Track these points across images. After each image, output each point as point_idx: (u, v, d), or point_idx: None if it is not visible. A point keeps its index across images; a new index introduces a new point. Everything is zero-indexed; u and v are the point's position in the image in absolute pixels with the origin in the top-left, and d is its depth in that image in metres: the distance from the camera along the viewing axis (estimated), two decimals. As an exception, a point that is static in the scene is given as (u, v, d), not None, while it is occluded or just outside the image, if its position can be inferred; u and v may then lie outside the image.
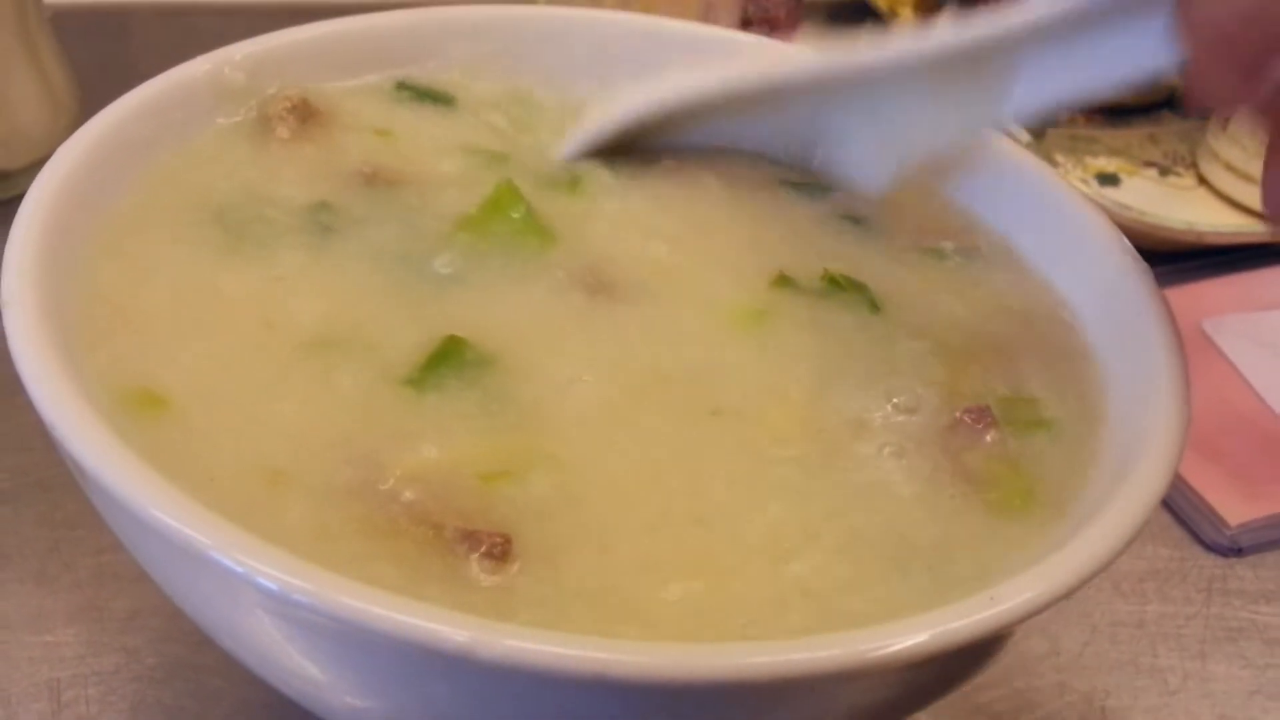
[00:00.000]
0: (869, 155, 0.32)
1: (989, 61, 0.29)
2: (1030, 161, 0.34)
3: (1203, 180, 0.60)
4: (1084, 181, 0.60)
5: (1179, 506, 0.44)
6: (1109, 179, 0.61)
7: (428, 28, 0.37)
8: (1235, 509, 0.44)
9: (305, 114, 0.33)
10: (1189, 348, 0.50)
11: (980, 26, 0.28)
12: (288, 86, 0.33)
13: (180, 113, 0.31)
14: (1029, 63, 0.28)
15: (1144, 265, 0.31)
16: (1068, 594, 0.22)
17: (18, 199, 0.49)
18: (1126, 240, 0.31)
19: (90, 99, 0.53)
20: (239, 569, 0.20)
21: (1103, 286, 0.30)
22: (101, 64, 0.60)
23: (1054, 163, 0.60)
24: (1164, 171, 0.61)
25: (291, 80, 0.34)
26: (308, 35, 0.35)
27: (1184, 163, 0.61)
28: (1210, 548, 0.43)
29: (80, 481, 0.23)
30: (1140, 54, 0.26)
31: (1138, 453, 0.24)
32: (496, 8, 0.38)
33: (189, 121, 0.32)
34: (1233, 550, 0.42)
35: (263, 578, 0.20)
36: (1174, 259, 0.55)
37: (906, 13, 0.73)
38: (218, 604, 0.22)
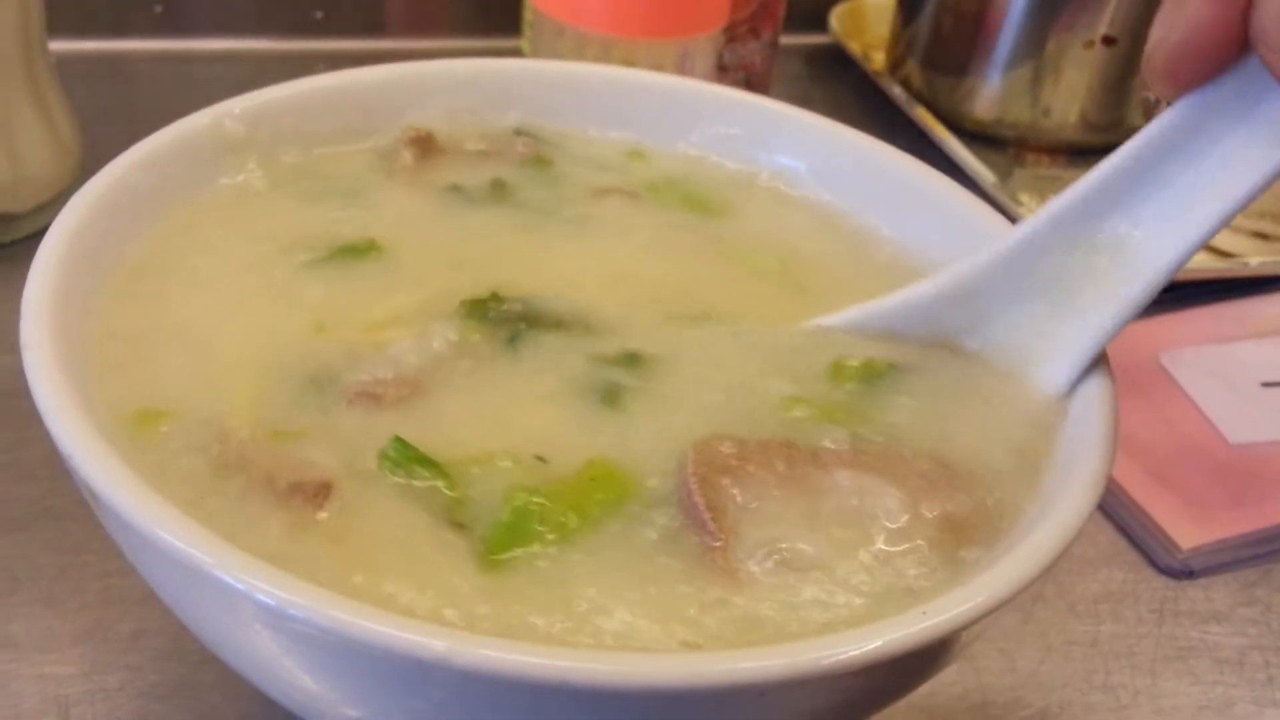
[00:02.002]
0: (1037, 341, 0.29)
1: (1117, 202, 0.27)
2: (962, 197, 0.36)
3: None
4: (1049, 220, 0.62)
5: (1133, 531, 0.46)
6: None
7: (415, 81, 0.39)
8: (1187, 533, 0.46)
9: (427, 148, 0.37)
10: (1148, 379, 0.53)
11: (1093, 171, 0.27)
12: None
13: (183, 163, 0.34)
14: (1155, 200, 0.27)
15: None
16: (989, 612, 0.24)
17: (24, 240, 0.52)
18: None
19: (93, 143, 0.56)
20: (239, 585, 0.22)
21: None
22: (104, 109, 0.62)
23: (1018, 202, 0.63)
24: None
25: (287, 132, 0.37)
26: (302, 89, 0.37)
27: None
28: (1163, 570, 0.45)
29: (94, 506, 0.25)
30: (1268, 148, 0.25)
31: (1063, 487, 0.26)
32: (483, 61, 0.41)
33: (192, 171, 0.34)
34: (1184, 573, 0.44)
35: (260, 593, 0.22)
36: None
37: (879, 58, 0.76)
38: (220, 619, 0.24)
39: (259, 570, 0.22)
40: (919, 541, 0.26)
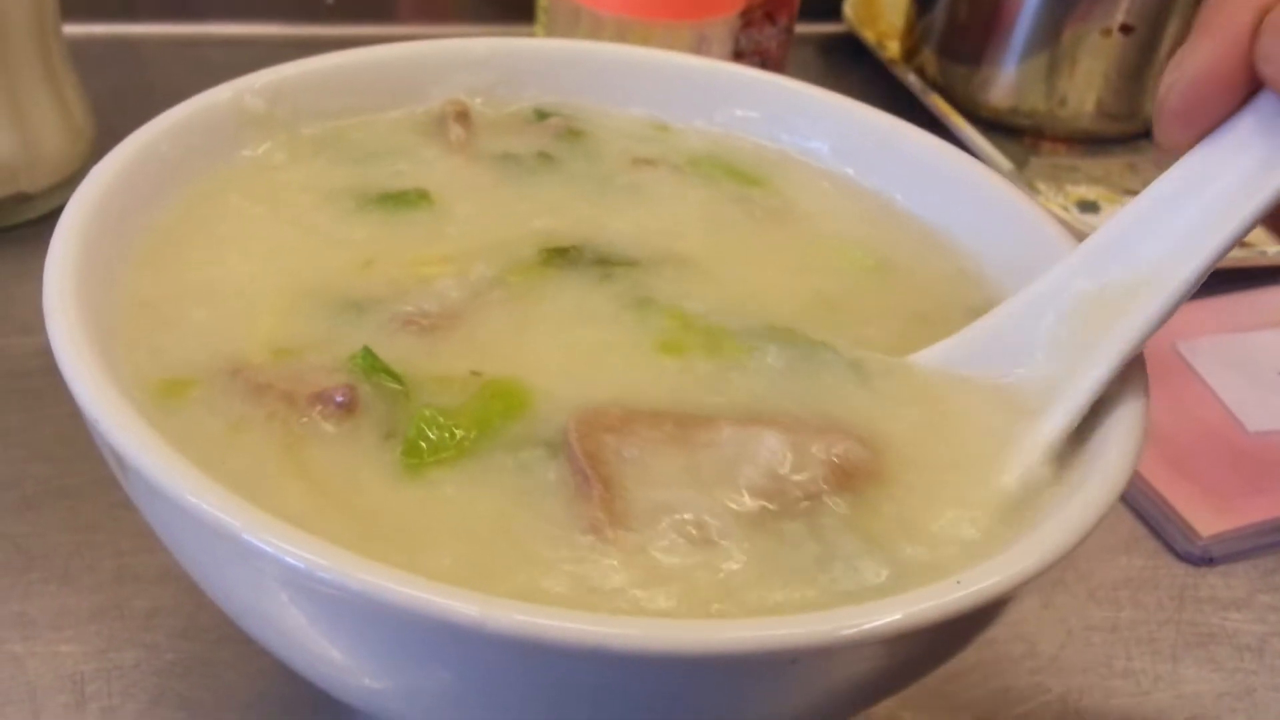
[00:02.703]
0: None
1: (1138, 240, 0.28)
2: (997, 182, 0.36)
3: (1179, 208, 0.63)
4: (1064, 208, 0.62)
5: (1153, 518, 0.45)
6: (1089, 206, 0.63)
7: (433, 59, 0.39)
8: (1207, 521, 0.45)
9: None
10: (1166, 368, 0.53)
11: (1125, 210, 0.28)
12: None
13: (204, 136, 0.33)
14: (1163, 235, 0.27)
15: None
16: (1023, 582, 0.23)
17: (39, 220, 0.52)
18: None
19: (105, 126, 0.55)
20: (267, 548, 0.22)
21: None
22: (116, 92, 0.62)
23: (1035, 190, 0.63)
24: (1141, 199, 0.63)
25: (306, 107, 0.36)
26: (322, 65, 0.37)
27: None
28: (1183, 558, 0.44)
29: (119, 473, 0.25)
30: (1266, 174, 0.26)
31: (1094, 465, 0.26)
32: (498, 40, 0.40)
33: (213, 145, 0.34)
34: (1204, 560, 0.44)
35: (289, 556, 0.22)
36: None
37: (894, 46, 0.76)
38: (246, 584, 0.24)
39: (288, 534, 0.22)
40: (804, 485, 0.26)
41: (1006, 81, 0.69)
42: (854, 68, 0.77)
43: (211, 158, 0.34)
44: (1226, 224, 0.26)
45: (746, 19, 0.61)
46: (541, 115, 0.40)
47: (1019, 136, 0.69)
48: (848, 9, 0.77)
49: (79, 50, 0.55)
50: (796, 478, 0.26)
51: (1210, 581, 0.44)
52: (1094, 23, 0.66)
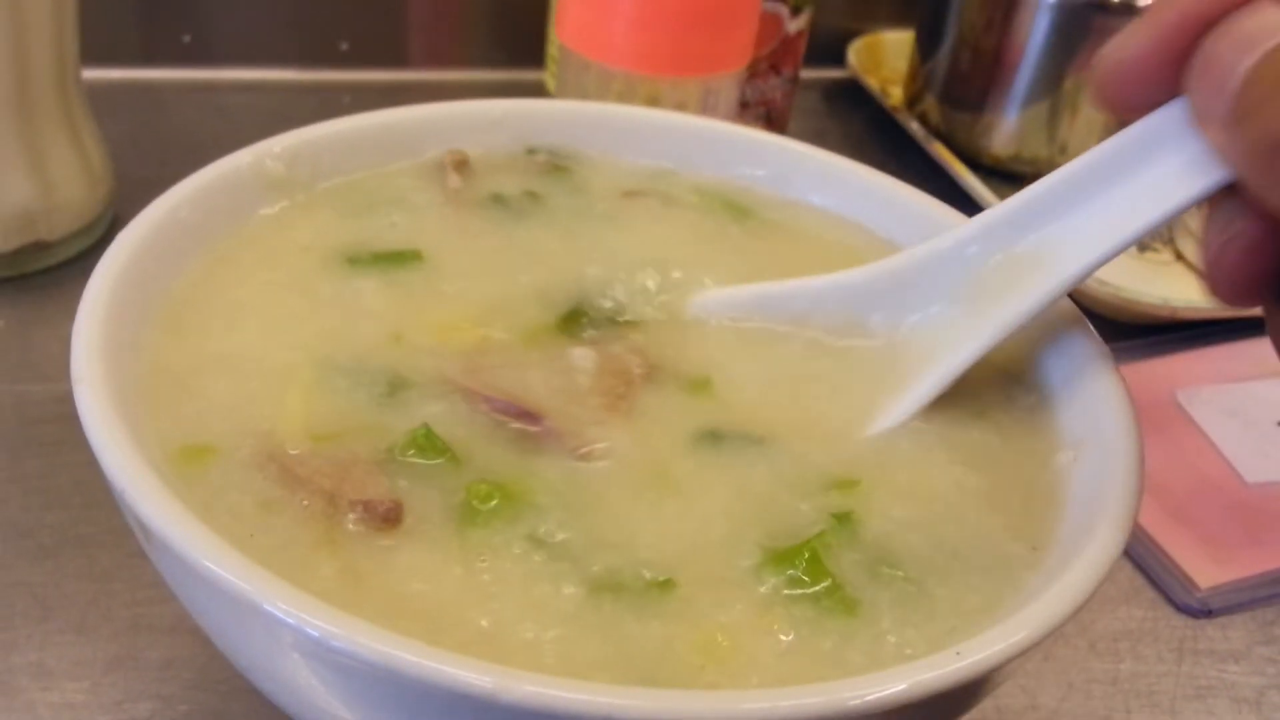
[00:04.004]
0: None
1: (1034, 225, 0.29)
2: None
3: (1180, 256, 0.63)
4: (1066, 257, 0.63)
5: (1152, 569, 0.46)
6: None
7: (449, 121, 0.40)
8: (1205, 572, 0.46)
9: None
10: (1165, 418, 0.53)
11: (1017, 196, 0.30)
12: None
13: (225, 200, 0.34)
14: (1071, 220, 0.29)
15: (1104, 347, 0.33)
16: (1021, 653, 0.24)
17: (57, 267, 0.53)
18: (1088, 323, 0.34)
19: (122, 171, 0.56)
20: (288, 619, 0.23)
21: (1066, 367, 0.33)
22: (133, 137, 0.63)
23: (1037, 239, 0.63)
24: (1142, 247, 0.64)
25: (325, 168, 0.37)
26: (341, 128, 0.38)
27: (1162, 239, 0.64)
28: (1181, 609, 0.45)
29: (142, 539, 0.26)
30: (1176, 185, 0.27)
31: (1090, 529, 0.27)
32: (511, 101, 0.41)
33: (233, 207, 0.35)
34: (1203, 612, 0.45)
35: (309, 626, 0.22)
36: (1150, 332, 0.58)
37: (897, 92, 0.77)
38: (262, 648, 0.25)
39: (306, 603, 0.23)
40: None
41: (1008, 129, 0.70)
42: (857, 114, 0.78)
43: (230, 219, 0.34)
44: (1132, 224, 0.28)
45: (752, 70, 0.62)
46: (532, 152, 0.41)
47: (1020, 183, 0.70)
48: (851, 56, 0.78)
49: (96, 95, 0.56)
50: None
51: (1209, 633, 0.44)
52: (1094, 72, 0.67)
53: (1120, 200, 0.28)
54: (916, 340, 0.31)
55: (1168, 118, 0.27)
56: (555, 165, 0.40)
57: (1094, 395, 0.31)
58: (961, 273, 0.31)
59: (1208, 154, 0.26)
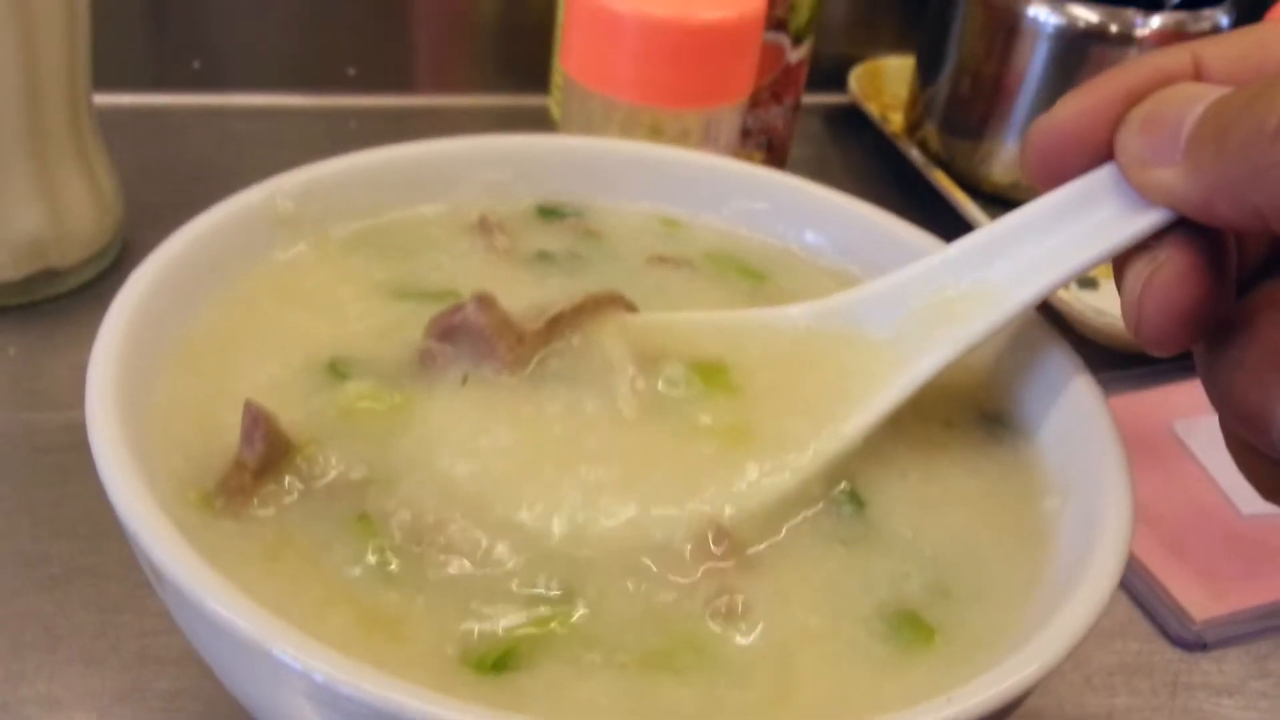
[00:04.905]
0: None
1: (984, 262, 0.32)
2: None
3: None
4: (1064, 285, 0.63)
5: (1147, 602, 0.46)
6: (1088, 283, 0.65)
7: (455, 157, 0.41)
8: (1201, 605, 0.46)
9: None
10: (1162, 448, 0.54)
11: (971, 236, 0.33)
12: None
13: (238, 239, 0.35)
14: (1016, 256, 0.31)
15: (1095, 386, 0.34)
16: (1017, 701, 0.25)
17: (67, 294, 0.54)
18: (1078, 358, 0.35)
19: (132, 197, 0.57)
20: (295, 663, 0.23)
21: (1055, 402, 0.34)
22: (142, 162, 0.63)
23: (1036, 268, 0.64)
24: (1141, 278, 0.64)
25: (335, 207, 0.38)
26: (350, 164, 0.38)
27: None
28: (1176, 642, 0.45)
29: (154, 582, 0.26)
30: (1116, 227, 0.29)
31: (1078, 578, 0.27)
32: (516, 138, 0.42)
33: (246, 246, 0.35)
34: (1198, 645, 0.45)
35: (315, 672, 0.23)
36: (1148, 362, 0.58)
37: (897, 119, 0.77)
38: (268, 690, 0.25)
39: (315, 649, 0.23)
40: None
41: (1007, 157, 0.71)
42: (858, 139, 0.78)
43: (245, 260, 0.35)
44: (1064, 264, 0.31)
45: (754, 99, 0.63)
46: (546, 213, 0.41)
47: (1020, 211, 0.71)
48: (853, 82, 0.79)
49: (106, 120, 0.56)
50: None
51: (1204, 667, 0.45)
52: (1094, 101, 0.67)
53: (1064, 241, 0.30)
54: (875, 353, 0.34)
55: (1099, 176, 0.30)
56: (587, 230, 0.41)
57: (1085, 437, 0.32)
58: (918, 303, 0.33)
59: (1142, 202, 0.28)
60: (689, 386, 0.32)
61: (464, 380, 0.31)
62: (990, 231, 0.32)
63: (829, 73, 0.79)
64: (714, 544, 0.29)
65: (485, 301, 0.31)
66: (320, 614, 0.26)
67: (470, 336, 0.31)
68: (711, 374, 0.33)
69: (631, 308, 0.35)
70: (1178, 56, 0.28)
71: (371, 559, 0.27)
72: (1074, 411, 0.33)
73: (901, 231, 0.40)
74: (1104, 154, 0.29)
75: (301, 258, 0.37)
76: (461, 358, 0.32)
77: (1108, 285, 0.65)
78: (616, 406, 0.31)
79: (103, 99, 0.55)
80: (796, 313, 0.35)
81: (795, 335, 0.34)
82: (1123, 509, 0.29)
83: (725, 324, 0.35)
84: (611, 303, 0.34)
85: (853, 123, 0.79)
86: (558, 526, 0.28)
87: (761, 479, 0.30)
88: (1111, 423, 0.32)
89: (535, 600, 0.27)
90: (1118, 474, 0.30)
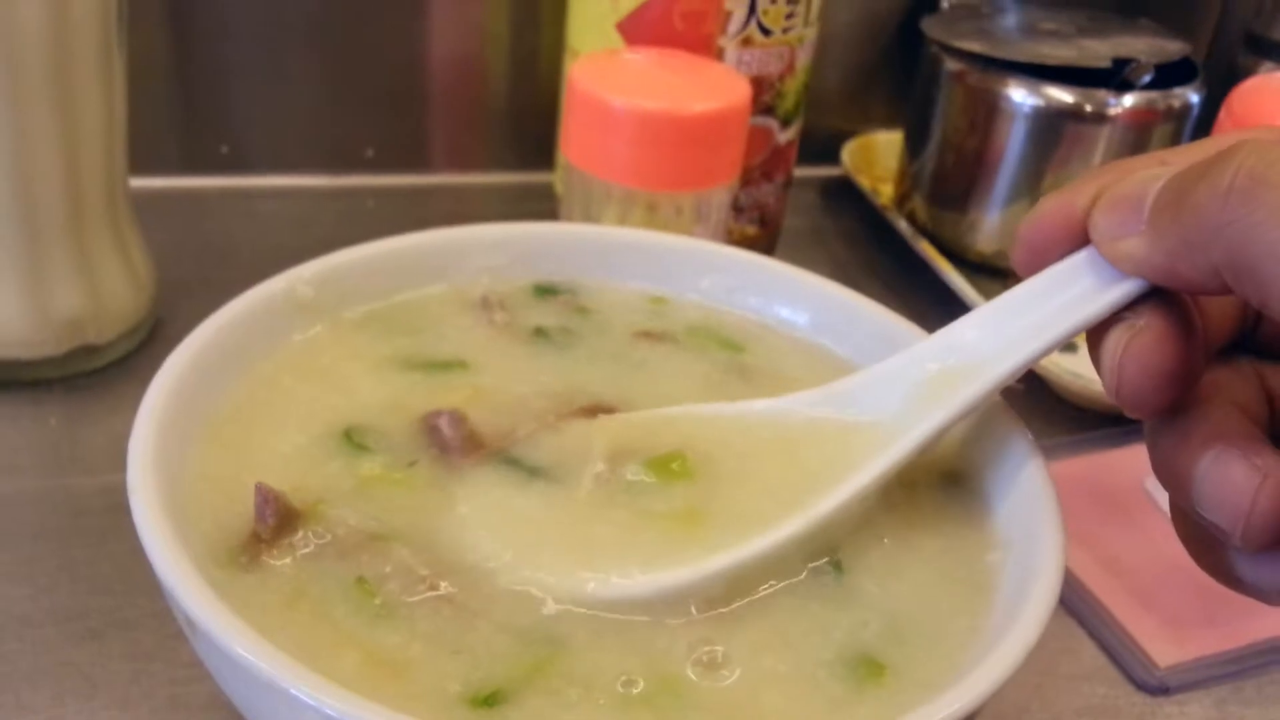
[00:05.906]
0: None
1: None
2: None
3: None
4: (1044, 349, 0.66)
5: (1114, 649, 0.49)
6: (1068, 348, 0.68)
7: (457, 244, 0.45)
8: (1165, 651, 0.49)
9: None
10: (1132, 505, 0.57)
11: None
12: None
13: (262, 323, 0.39)
14: (999, 333, 0.34)
15: (1038, 452, 0.37)
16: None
17: (104, 368, 0.57)
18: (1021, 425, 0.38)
19: (166, 277, 0.61)
20: (311, 701, 0.27)
21: (1000, 462, 0.37)
22: (175, 242, 0.67)
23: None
24: (1115, 342, 0.67)
25: (349, 291, 0.42)
26: (362, 254, 0.42)
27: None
28: (1141, 687, 0.48)
29: (187, 631, 0.30)
30: (1091, 299, 0.31)
31: (1012, 622, 0.31)
32: (513, 225, 0.46)
33: (269, 329, 0.39)
34: (1161, 690, 0.48)
35: (329, 708, 0.26)
36: (1120, 422, 0.61)
37: (888, 191, 0.81)
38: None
39: (329, 689, 0.27)
40: None
41: (991, 227, 0.74)
42: (850, 211, 0.82)
43: (267, 342, 0.39)
44: (1043, 336, 0.33)
45: (745, 178, 0.67)
46: (542, 291, 0.45)
47: (1005, 279, 0.74)
48: (845, 156, 0.83)
49: (140, 202, 0.59)
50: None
51: (1167, 710, 0.47)
52: (1072, 170, 0.71)
53: (1042, 317, 0.33)
54: (874, 430, 0.36)
55: (1077, 258, 0.32)
56: (579, 307, 0.45)
57: (1025, 495, 0.35)
58: (912, 382, 0.36)
59: (1116, 274, 0.31)
60: (648, 477, 0.35)
61: (411, 464, 0.36)
62: (975, 314, 0.35)
63: (823, 147, 0.83)
64: (691, 606, 0.32)
65: (455, 418, 0.37)
66: (333, 655, 0.29)
67: (440, 442, 0.36)
68: (666, 467, 0.36)
69: (610, 410, 0.38)
70: (1145, 161, 0.31)
71: (373, 606, 0.31)
72: (1015, 470, 0.36)
73: (869, 310, 0.44)
74: (1083, 242, 0.32)
75: (318, 338, 0.40)
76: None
77: (1085, 350, 0.68)
78: (583, 492, 0.35)
79: (136, 182, 0.59)
80: (787, 404, 0.38)
81: (778, 425, 0.37)
82: (1054, 561, 0.32)
83: (700, 417, 0.38)
84: (589, 414, 0.38)
85: (845, 195, 0.83)
86: (535, 588, 0.32)
87: (708, 554, 0.33)
88: (1048, 481, 0.35)
89: (518, 644, 0.31)
90: (1052, 528, 0.33)
